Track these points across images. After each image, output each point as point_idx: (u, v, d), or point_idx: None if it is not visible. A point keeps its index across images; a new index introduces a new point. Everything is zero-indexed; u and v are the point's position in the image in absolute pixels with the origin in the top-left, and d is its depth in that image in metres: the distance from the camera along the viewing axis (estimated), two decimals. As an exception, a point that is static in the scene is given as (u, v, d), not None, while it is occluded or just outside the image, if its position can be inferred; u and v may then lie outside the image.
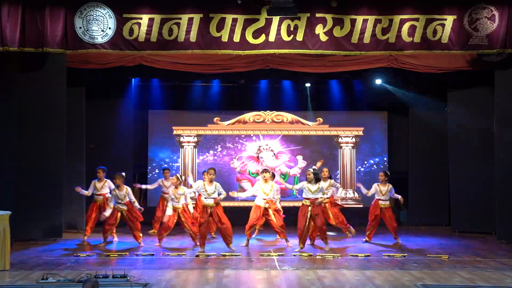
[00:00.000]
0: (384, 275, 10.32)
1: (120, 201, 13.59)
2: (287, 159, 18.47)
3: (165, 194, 15.26)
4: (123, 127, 17.68)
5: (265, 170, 14.12)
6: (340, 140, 18.52)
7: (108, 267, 10.71)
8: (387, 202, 14.41)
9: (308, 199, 13.01)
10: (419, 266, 11.23)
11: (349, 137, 18.53)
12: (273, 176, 14.74)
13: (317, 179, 13.10)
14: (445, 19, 14.24)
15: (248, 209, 14.33)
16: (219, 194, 12.99)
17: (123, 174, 13.91)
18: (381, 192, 14.38)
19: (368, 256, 12.30)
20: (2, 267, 10.59)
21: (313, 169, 13.35)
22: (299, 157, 18.42)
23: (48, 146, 14.26)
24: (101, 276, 9.47)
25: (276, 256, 12.28)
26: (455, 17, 14.23)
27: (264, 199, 13.81)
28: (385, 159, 18.47)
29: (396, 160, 18.62)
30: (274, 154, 18.46)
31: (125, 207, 13.62)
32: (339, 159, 18.51)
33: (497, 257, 12.33)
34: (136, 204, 13.72)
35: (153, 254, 12.34)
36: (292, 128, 18.50)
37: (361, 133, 18.54)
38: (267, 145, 18.47)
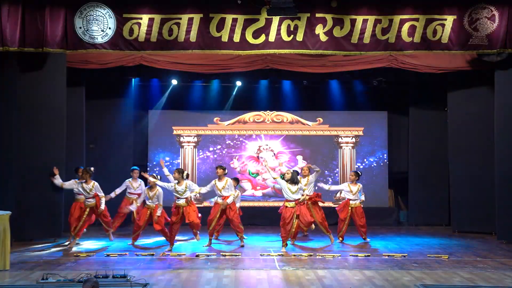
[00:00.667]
0: (384, 275, 10.33)
1: (87, 195, 13.73)
2: (287, 159, 18.48)
3: (131, 194, 15.11)
4: (123, 127, 17.67)
5: (218, 166, 13.98)
6: (340, 140, 18.52)
7: (108, 267, 10.70)
8: (357, 202, 14.39)
9: (290, 200, 12.99)
10: (419, 266, 11.24)
11: (349, 137, 18.53)
12: (237, 180, 14.95)
13: (294, 181, 13.05)
14: (445, 19, 14.25)
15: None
16: (191, 192, 13.13)
17: (92, 168, 13.96)
18: (351, 191, 14.37)
19: (368, 256, 12.30)
20: (2, 267, 10.59)
21: (293, 170, 13.27)
22: (299, 157, 18.42)
23: (48, 146, 14.26)
24: (101, 276, 9.48)
25: (276, 256, 12.29)
26: (455, 17, 14.25)
27: (221, 196, 13.73)
28: (385, 158, 18.47)
29: (396, 160, 18.62)
30: (274, 154, 18.46)
31: (93, 201, 13.76)
32: (339, 159, 18.51)
33: (497, 257, 12.33)
34: (103, 198, 13.97)
35: (153, 254, 12.34)
36: (292, 128, 18.50)
37: (361, 133, 18.54)
38: (267, 145, 18.47)
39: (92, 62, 15.00)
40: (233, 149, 18.47)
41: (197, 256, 12.18)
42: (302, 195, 13.11)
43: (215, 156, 18.42)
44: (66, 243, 13.82)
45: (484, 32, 14.24)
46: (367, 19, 14.25)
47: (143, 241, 14.13)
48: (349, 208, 14.37)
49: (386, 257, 12.25)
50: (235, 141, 18.50)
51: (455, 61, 15.11)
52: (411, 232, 16.34)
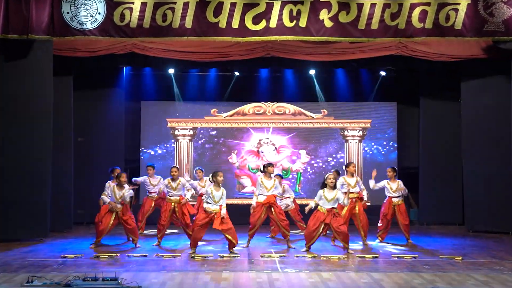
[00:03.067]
0: (393, 278, 10.30)
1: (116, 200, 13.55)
2: (289, 154, 18.45)
3: (150, 193, 15.48)
4: (113, 119, 17.66)
5: (269, 165, 13.94)
6: (346, 133, 18.50)
7: (97, 269, 10.67)
8: (400, 199, 14.38)
9: (324, 207, 12.91)
10: (431, 268, 11.21)
11: (356, 129, 18.51)
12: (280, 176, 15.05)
13: (336, 186, 13.00)
14: (459, 4, 14.25)
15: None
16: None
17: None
18: (391, 189, 14.36)
19: (376, 257, 12.28)
20: (-16, 269, 10.60)
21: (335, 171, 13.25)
22: (302, 151, 18.40)
23: (34, 140, 14.23)
24: (90, 279, 9.46)
25: (277, 257, 12.25)
26: (469, 1, 14.25)
27: (266, 195, 13.70)
28: (394, 153, 18.44)
29: (406, 154, 18.60)
30: (276, 148, 18.42)
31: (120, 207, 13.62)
32: (345, 153, 18.48)
33: (514, 259, 12.33)
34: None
35: (146, 255, 12.31)
36: (295, 120, 18.46)
37: (368, 125, 18.52)
38: (267, 138, 18.44)
39: (80, 49, 14.95)
40: (231, 143, 18.43)
41: (192, 257, 12.17)
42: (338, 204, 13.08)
43: (212, 150, 18.38)
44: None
45: (501, 17, 14.22)
46: (375, 4, 14.24)
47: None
48: (392, 206, 14.37)
49: (396, 258, 12.23)
50: (233, 135, 18.46)
51: (469, 48, 15.07)
52: (422, 232, 16.32)
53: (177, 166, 14.48)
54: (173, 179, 13.71)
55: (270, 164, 13.93)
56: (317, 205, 12.95)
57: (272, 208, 13.54)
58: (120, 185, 13.41)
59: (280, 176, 15.28)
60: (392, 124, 18.57)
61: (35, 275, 9.91)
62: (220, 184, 12.74)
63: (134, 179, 15.70)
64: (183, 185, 13.71)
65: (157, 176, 15.53)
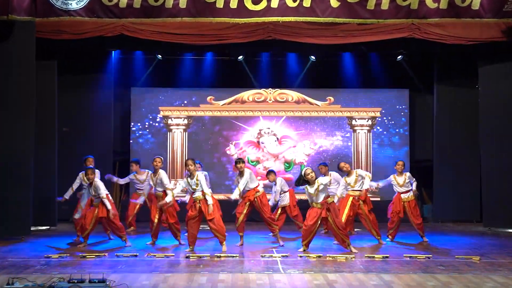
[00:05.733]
0: (405, 279, 10.28)
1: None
2: (292, 145, 18.41)
3: (140, 190, 15.51)
4: (101, 107, 17.62)
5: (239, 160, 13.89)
6: (354, 122, 18.47)
7: (84, 270, 10.67)
8: (409, 195, 14.33)
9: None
10: (446, 269, 11.19)
11: (365, 118, 18.48)
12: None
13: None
14: (476, -18, 14.23)
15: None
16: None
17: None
18: (398, 183, 14.32)
19: (387, 257, 12.25)
20: (-39, 270, 10.59)
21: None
22: (306, 142, 18.37)
23: (14, 130, 14.20)
24: (76, 281, 9.43)
25: (279, 257, 12.24)
26: (487, -21, 14.22)
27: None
28: (406, 144, 18.40)
29: (419, 145, 18.59)
30: (277, 138, 18.39)
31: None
32: (353, 144, 18.47)
33: (536, 259, 12.31)
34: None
35: (136, 255, 12.30)
36: (298, 108, 18.43)
37: (378, 114, 18.49)
38: (268, 128, 18.39)
39: (65, 31, 14.91)
40: (229, 133, 18.40)
41: (187, 257, 12.15)
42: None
43: (208, 141, 18.35)
44: None
45: (522, -4, 14.21)
46: (386, -19, 14.23)
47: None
48: (402, 203, 14.35)
49: (408, 258, 12.20)
50: (232, 124, 18.43)
51: (488, 31, 15.03)
52: (436, 230, 16.33)
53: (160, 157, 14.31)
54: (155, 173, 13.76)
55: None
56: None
57: (255, 202, 13.65)
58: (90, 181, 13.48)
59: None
60: (404, 112, 18.54)
61: (16, 276, 9.86)
62: (193, 171, 12.68)
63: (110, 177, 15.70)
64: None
65: (144, 170, 15.44)
